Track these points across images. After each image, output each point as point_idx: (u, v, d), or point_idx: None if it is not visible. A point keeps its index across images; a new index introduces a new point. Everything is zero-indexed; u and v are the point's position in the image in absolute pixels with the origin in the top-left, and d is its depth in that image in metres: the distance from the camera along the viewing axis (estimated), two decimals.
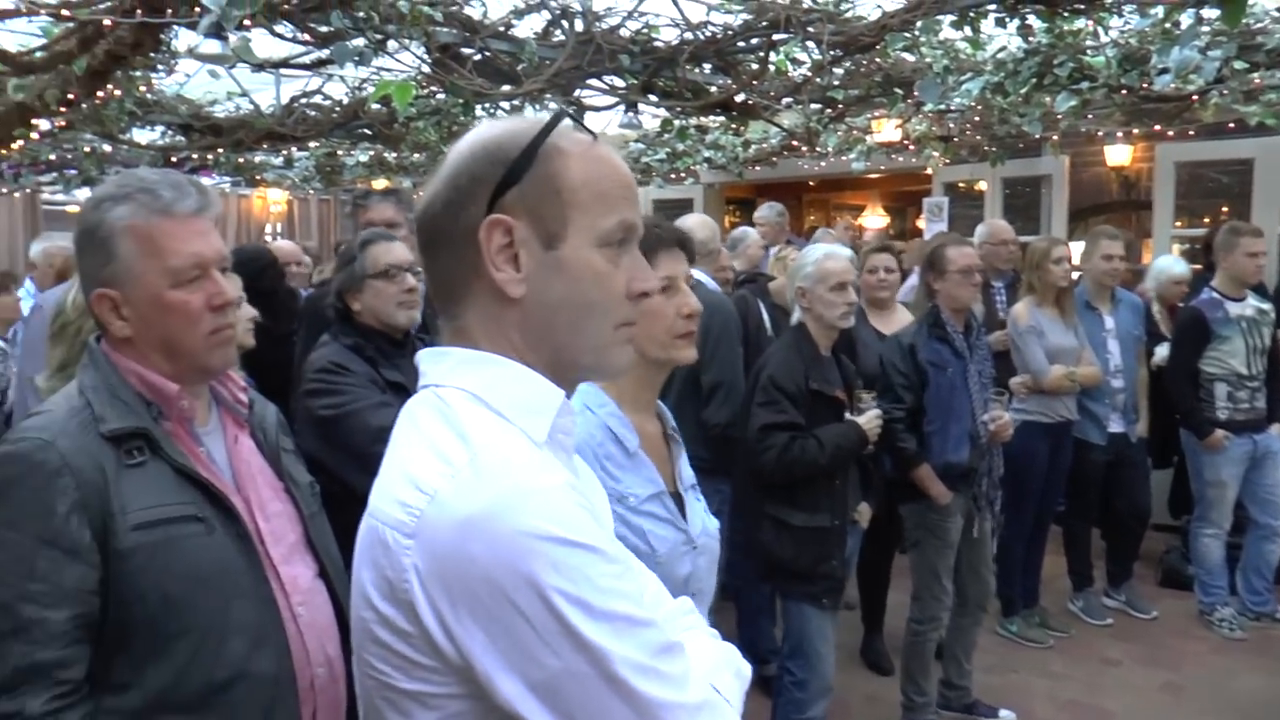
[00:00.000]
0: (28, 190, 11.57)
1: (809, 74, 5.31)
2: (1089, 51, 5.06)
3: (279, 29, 4.29)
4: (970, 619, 4.25)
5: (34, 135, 6.24)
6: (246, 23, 3.54)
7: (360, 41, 4.30)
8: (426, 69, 4.88)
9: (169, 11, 3.71)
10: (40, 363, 2.59)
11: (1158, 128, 6.82)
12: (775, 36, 4.84)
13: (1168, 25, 4.60)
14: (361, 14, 4.11)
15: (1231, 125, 6.29)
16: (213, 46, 3.70)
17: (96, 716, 1.47)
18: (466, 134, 1.16)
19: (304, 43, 4.69)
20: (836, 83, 5.83)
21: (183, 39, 4.81)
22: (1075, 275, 5.30)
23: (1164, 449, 5.82)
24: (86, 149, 8.54)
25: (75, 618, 1.46)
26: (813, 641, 3.44)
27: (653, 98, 5.70)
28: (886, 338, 4.37)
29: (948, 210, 8.90)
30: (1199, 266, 6.57)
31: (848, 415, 3.49)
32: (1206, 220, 8.08)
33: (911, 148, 8.20)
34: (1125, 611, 5.47)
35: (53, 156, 9.09)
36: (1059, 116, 5.82)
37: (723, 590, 4.06)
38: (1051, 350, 4.93)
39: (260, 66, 5.09)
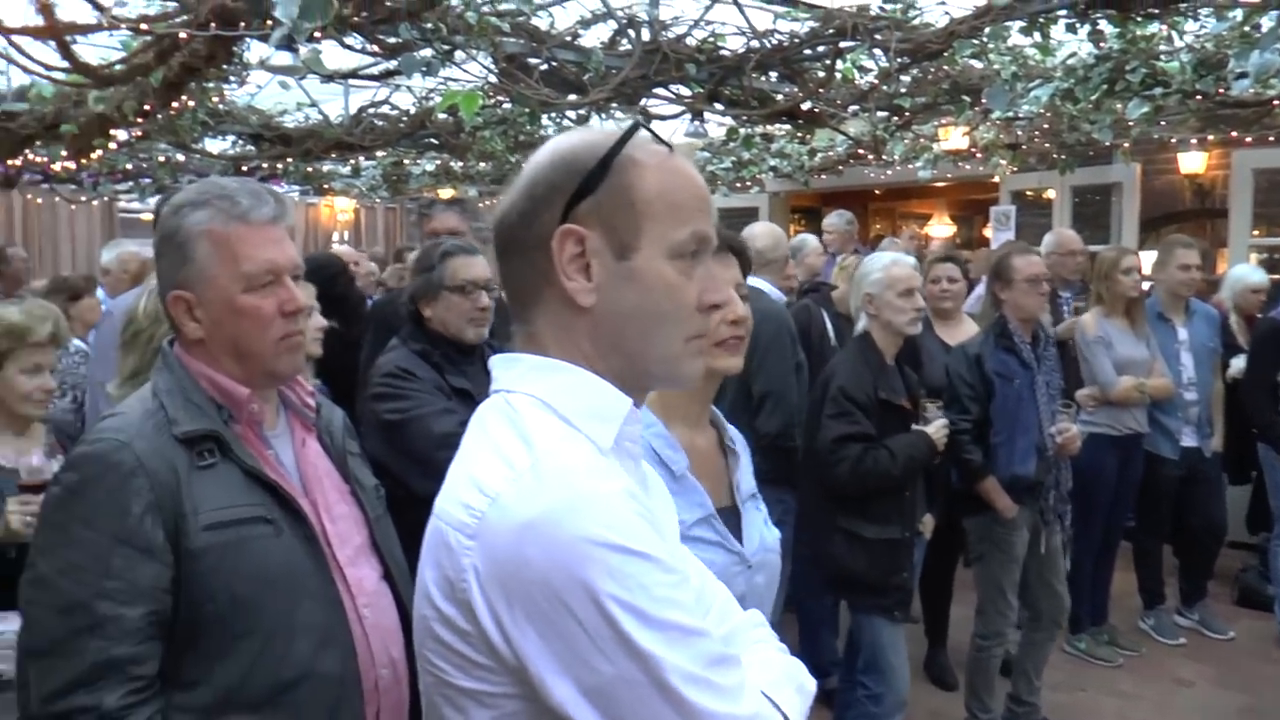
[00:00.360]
0: (105, 198, 11.88)
1: (875, 81, 5.27)
2: (1162, 56, 4.96)
3: (348, 40, 4.37)
4: (1044, 634, 4.15)
5: (112, 145, 6.41)
6: (317, 35, 3.61)
7: (428, 52, 4.35)
8: (493, 79, 4.94)
9: (242, 24, 3.79)
10: (110, 368, 2.65)
11: (1234, 134, 6.66)
12: (842, 44, 4.82)
13: (1246, 28, 4.48)
14: (429, 25, 4.17)
15: None
16: (284, 58, 3.78)
17: (167, 712, 1.50)
18: (544, 143, 1.17)
19: (372, 54, 4.77)
20: (903, 90, 5.79)
21: (254, 51, 4.91)
22: (1146, 285, 5.19)
23: (1241, 464, 5.65)
24: (161, 158, 8.77)
25: (149, 615, 1.49)
26: (886, 655, 3.40)
27: (718, 106, 5.70)
28: (952, 348, 4.32)
29: (1015, 219, 8.77)
30: (1278, 276, 6.39)
31: (915, 425, 3.45)
32: None
33: (979, 155, 8.10)
34: (1199, 631, 5.32)
35: (129, 166, 9.34)
36: (1130, 123, 5.71)
37: (785, 602, 4.03)
38: (1121, 362, 4.83)
39: (329, 77, 5.19)
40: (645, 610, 0.96)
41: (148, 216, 11.68)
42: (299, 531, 1.63)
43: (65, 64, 4.22)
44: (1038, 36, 4.36)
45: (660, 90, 5.52)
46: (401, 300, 3.12)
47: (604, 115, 5.91)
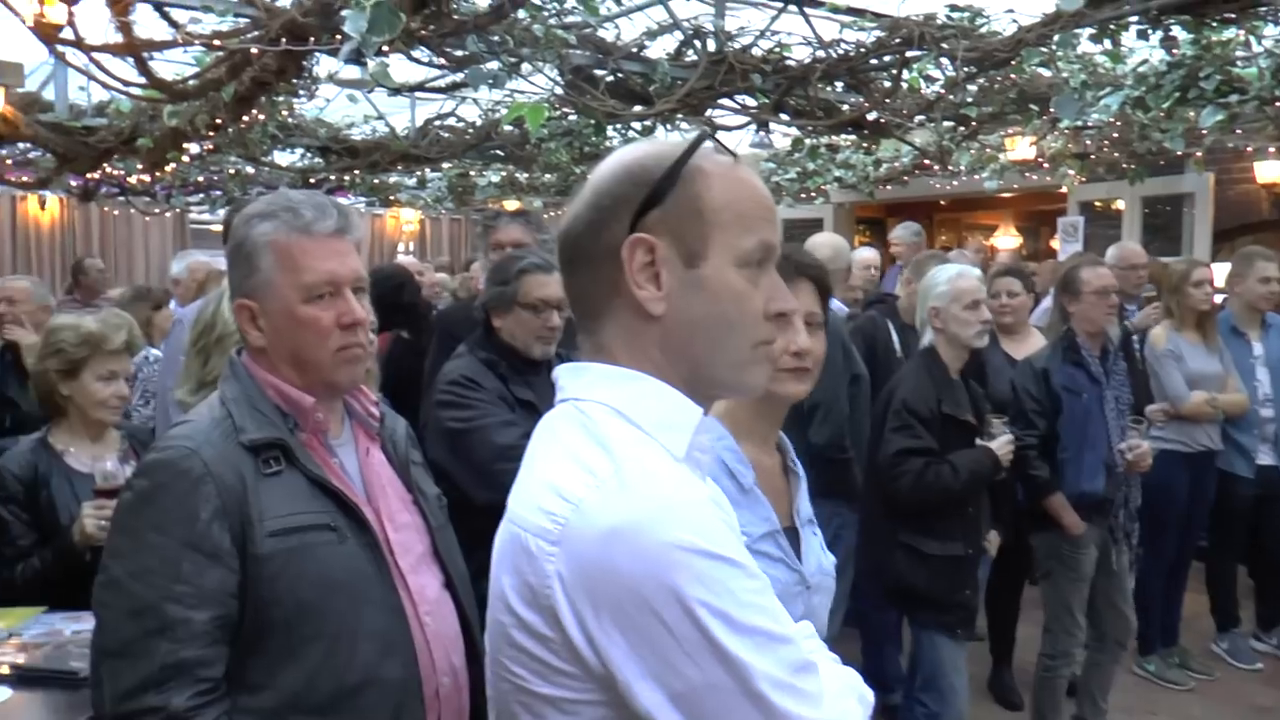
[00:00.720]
0: (177, 210, 12.18)
1: (942, 91, 5.23)
2: (1239, 62, 4.85)
3: (416, 54, 4.43)
4: (1108, 655, 4.07)
5: (185, 158, 6.58)
6: (385, 48, 3.67)
7: (495, 65, 4.41)
8: (559, 91, 4.98)
9: (312, 39, 3.87)
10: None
11: None
12: (908, 53, 4.79)
13: None
14: (496, 38, 4.21)
15: None
16: (352, 72, 3.84)
17: (233, 715, 1.52)
18: (610, 155, 1.18)
19: (439, 66, 4.84)
20: (970, 99, 5.73)
21: (323, 65, 5.01)
22: (1218, 299, 5.07)
23: None
24: (231, 171, 8.96)
25: (215, 619, 1.52)
26: (946, 673, 3.35)
27: (784, 117, 5.70)
28: (1019, 362, 4.25)
29: (1083, 230, 8.63)
30: None
31: (979, 440, 3.41)
32: None
33: (1046, 166, 7.98)
34: (1277, 656, 5.17)
35: (200, 178, 9.58)
36: (1203, 132, 5.58)
37: (847, 615, 3.99)
38: (1192, 376, 4.72)
39: (397, 90, 5.27)
40: (733, 616, 0.96)
41: (218, 228, 11.95)
42: (362, 539, 1.64)
43: (142, 80, 4.35)
44: (1108, 44, 4.29)
45: (725, 101, 5.52)
46: (474, 307, 3.15)
47: (669, 126, 5.93)
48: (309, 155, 8.42)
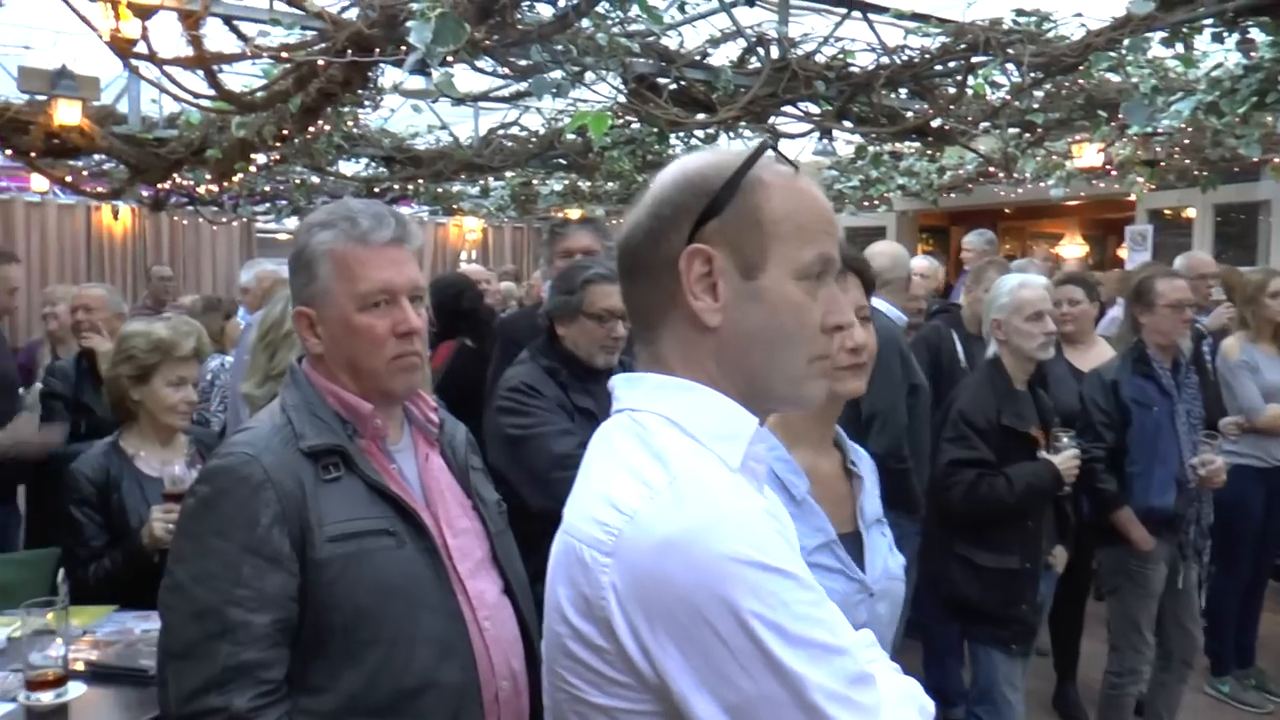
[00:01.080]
0: (244, 219, 12.42)
1: (1008, 97, 5.15)
2: None
3: (480, 64, 4.47)
4: (1174, 675, 3.97)
5: (252, 168, 6.71)
6: (450, 59, 3.70)
7: (558, 74, 4.43)
8: (622, 99, 4.99)
9: (377, 50, 3.92)
10: None
11: None
12: (974, 59, 4.73)
13: None
14: (560, 47, 4.23)
15: None
16: (417, 82, 3.88)
17: (294, 716, 1.54)
18: (670, 164, 1.18)
19: (503, 76, 4.87)
20: (1036, 105, 5.64)
21: (388, 76, 5.08)
22: None
23: None
24: (297, 180, 9.12)
25: (276, 622, 1.54)
26: (1000, 687, 3.30)
27: (847, 124, 5.66)
28: (1087, 374, 4.17)
29: (1152, 239, 8.46)
30: None
31: (1041, 454, 3.34)
32: None
33: (1114, 173, 7.83)
34: None
35: (266, 188, 9.75)
36: None
37: (908, 627, 3.94)
38: (1269, 389, 4.59)
39: (461, 100, 5.31)
40: (788, 628, 0.96)
41: (284, 236, 12.21)
42: (421, 544, 1.65)
43: (212, 92, 4.44)
44: (1180, 48, 4.19)
45: (789, 108, 5.50)
46: (537, 315, 3.16)
47: (732, 134, 5.91)
48: (373, 165, 8.53)
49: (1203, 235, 8.09)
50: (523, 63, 4.43)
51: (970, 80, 4.83)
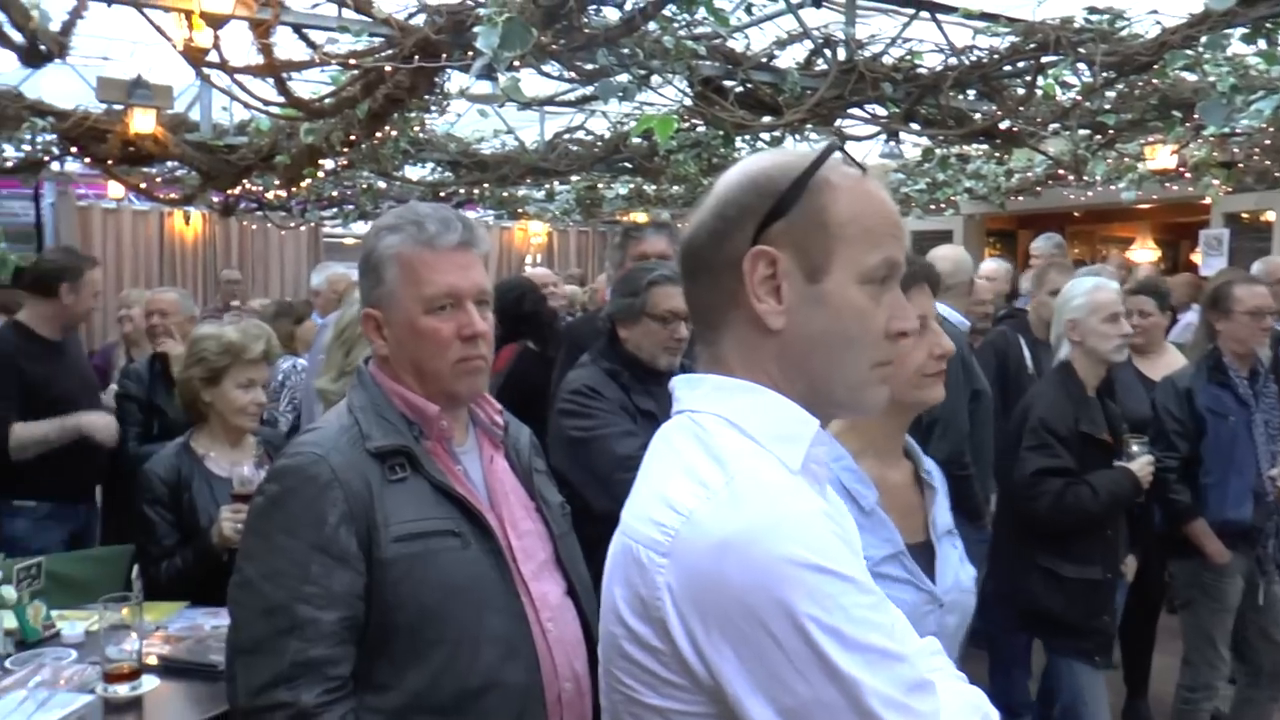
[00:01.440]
0: (312, 224, 12.61)
1: (1078, 97, 5.05)
2: None
3: (546, 68, 4.49)
4: (1264, 692, 3.87)
5: (320, 174, 6.81)
6: (516, 64, 3.72)
7: (624, 77, 4.43)
8: (688, 102, 4.98)
9: (444, 56, 3.96)
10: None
11: None
12: (1044, 59, 4.65)
13: None
14: (626, 50, 4.24)
15: None
16: (483, 87, 3.91)
17: (359, 713, 1.56)
18: (735, 165, 1.17)
19: (569, 80, 4.89)
20: (1108, 106, 5.52)
21: (454, 81, 5.12)
22: None
23: None
24: (363, 185, 9.23)
25: (343, 620, 1.56)
26: (1085, 701, 3.25)
27: (915, 126, 5.60)
28: (1160, 381, 4.07)
29: (1228, 243, 8.24)
30: None
31: (1117, 461, 3.28)
32: None
33: (1188, 175, 7.63)
34: None
35: (334, 193, 9.89)
36: None
37: (973, 636, 3.87)
38: None
39: (527, 105, 5.34)
40: (844, 632, 0.94)
41: (350, 241, 12.36)
42: (485, 545, 1.66)
43: (281, 99, 4.52)
44: (1262, 44, 4.06)
45: (855, 110, 5.45)
46: (600, 317, 3.17)
47: (799, 137, 5.87)
48: (439, 169, 8.62)
49: None
50: (589, 66, 4.44)
51: (1040, 81, 4.74)
